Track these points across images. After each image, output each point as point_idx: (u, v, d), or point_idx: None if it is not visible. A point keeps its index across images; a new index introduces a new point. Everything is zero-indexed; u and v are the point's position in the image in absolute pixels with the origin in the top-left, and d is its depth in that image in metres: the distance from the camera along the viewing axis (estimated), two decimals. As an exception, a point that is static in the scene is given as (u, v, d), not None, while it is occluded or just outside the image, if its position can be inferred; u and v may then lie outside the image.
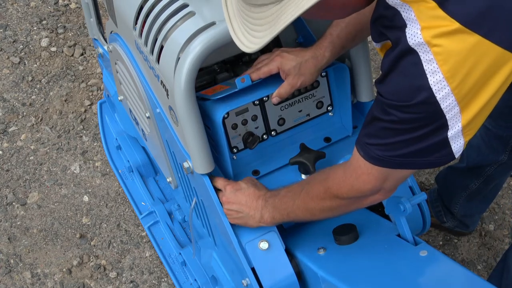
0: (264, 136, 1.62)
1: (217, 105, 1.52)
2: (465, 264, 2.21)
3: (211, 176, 1.56)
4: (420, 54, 1.06)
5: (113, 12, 1.76)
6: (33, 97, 2.69)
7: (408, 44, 1.06)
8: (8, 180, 2.44)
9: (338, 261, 1.53)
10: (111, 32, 1.84)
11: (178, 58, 1.44)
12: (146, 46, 1.57)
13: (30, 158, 2.50)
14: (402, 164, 1.20)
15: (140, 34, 1.59)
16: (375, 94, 1.25)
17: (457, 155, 1.17)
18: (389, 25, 1.11)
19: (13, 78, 2.76)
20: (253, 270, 1.52)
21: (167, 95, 1.53)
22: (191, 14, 1.48)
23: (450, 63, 1.04)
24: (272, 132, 1.62)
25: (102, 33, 2.14)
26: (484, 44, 1.03)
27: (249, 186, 1.54)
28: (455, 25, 1.02)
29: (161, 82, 1.54)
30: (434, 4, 1.03)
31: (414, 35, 1.05)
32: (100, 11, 2.17)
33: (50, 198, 2.39)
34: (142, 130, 1.90)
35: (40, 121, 2.61)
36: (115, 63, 1.85)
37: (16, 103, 2.67)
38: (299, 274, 1.57)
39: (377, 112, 1.17)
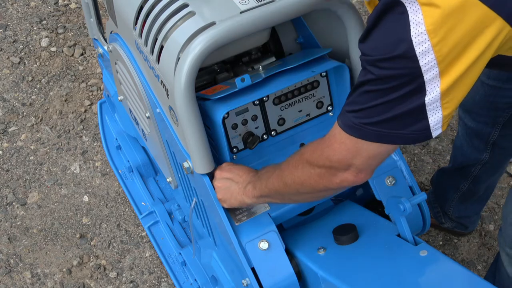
0: (264, 136, 1.62)
1: (217, 105, 1.52)
2: (465, 264, 2.21)
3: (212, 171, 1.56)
4: (406, 4, 1.02)
5: (113, 12, 1.76)
6: (33, 97, 2.69)
7: None
8: (8, 180, 2.44)
9: (338, 261, 1.53)
10: (111, 32, 1.84)
11: (178, 58, 1.44)
12: (146, 46, 1.57)
13: (30, 158, 2.50)
14: (375, 134, 1.15)
15: (140, 34, 1.59)
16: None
17: (434, 132, 1.13)
18: None
19: (13, 78, 2.76)
20: (253, 270, 1.52)
21: (167, 95, 1.53)
22: (191, 14, 1.48)
23: (434, 16, 1.01)
24: (272, 132, 1.62)
25: (102, 33, 2.14)
26: (471, 2, 1.00)
27: (243, 165, 1.53)
28: None
29: (161, 82, 1.55)
30: None
31: None
32: (100, 11, 2.17)
33: (50, 198, 2.39)
34: (142, 130, 1.90)
35: (40, 121, 2.61)
36: (115, 63, 1.85)
37: (16, 103, 2.67)
38: (299, 274, 1.57)
39: (359, 78, 1.14)
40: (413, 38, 1.03)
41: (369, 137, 1.16)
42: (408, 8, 1.02)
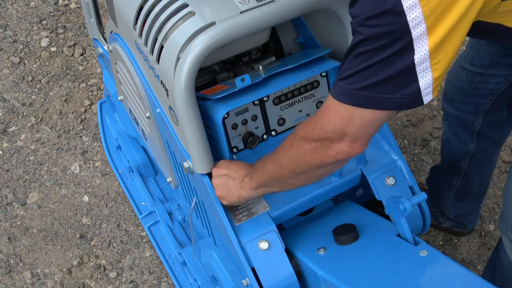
0: (264, 136, 1.62)
1: (217, 105, 1.52)
2: (465, 264, 2.21)
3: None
4: None
5: (113, 12, 1.76)
6: (33, 97, 2.69)
7: None
8: (8, 180, 2.44)
9: (338, 261, 1.53)
10: (111, 32, 1.84)
11: (178, 58, 1.44)
12: (146, 46, 1.57)
13: (30, 158, 2.50)
14: (367, 99, 1.15)
15: (140, 34, 1.59)
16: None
17: (425, 98, 1.13)
18: None
19: (13, 78, 2.76)
20: (253, 270, 1.52)
21: (167, 95, 1.53)
22: (191, 14, 1.48)
23: None
24: (272, 132, 1.62)
25: (102, 33, 2.15)
26: None
27: (240, 162, 1.53)
28: None
29: (161, 82, 1.55)
30: None
31: None
32: (100, 11, 2.17)
33: (50, 198, 2.39)
34: (142, 130, 1.90)
35: (40, 121, 2.61)
36: (115, 63, 1.85)
37: (16, 103, 2.67)
38: (299, 274, 1.57)
39: (350, 43, 1.14)
40: None
41: (361, 102, 1.16)
42: None
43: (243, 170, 1.50)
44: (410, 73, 1.10)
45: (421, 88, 1.12)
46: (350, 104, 1.17)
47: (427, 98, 1.14)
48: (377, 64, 1.11)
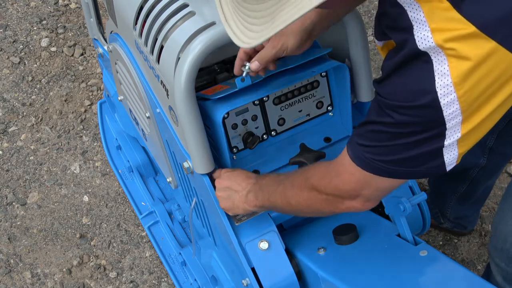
0: (264, 136, 1.62)
1: (217, 105, 1.52)
2: (465, 264, 2.21)
3: (212, 171, 1.56)
4: (431, 55, 0.99)
5: (113, 12, 1.76)
6: (33, 97, 2.69)
7: (417, 47, 0.99)
8: (8, 180, 2.44)
9: (338, 261, 1.53)
10: (111, 32, 1.84)
11: (178, 58, 1.44)
12: (146, 46, 1.57)
13: (30, 158, 2.50)
14: (388, 171, 1.13)
15: (140, 34, 1.59)
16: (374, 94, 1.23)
17: (448, 167, 1.11)
18: (393, 26, 1.04)
19: (13, 78, 2.76)
20: (253, 270, 1.52)
21: (167, 95, 1.53)
22: (191, 14, 1.48)
23: (461, 69, 0.98)
24: (272, 132, 1.62)
25: (102, 33, 2.14)
26: (500, 51, 0.97)
27: (242, 170, 1.51)
28: (471, 28, 0.95)
29: (161, 82, 1.55)
30: (448, 4, 0.96)
31: (424, 39, 0.98)
32: (100, 11, 2.17)
33: (50, 198, 2.39)
34: (142, 130, 1.90)
35: (40, 121, 2.61)
36: (115, 63, 1.85)
37: (16, 103, 2.67)
38: (299, 274, 1.57)
39: (373, 114, 1.11)
40: (438, 90, 1.00)
41: (381, 173, 1.14)
42: (433, 58, 0.99)
43: (245, 183, 1.48)
44: (436, 154, 1.08)
45: (446, 162, 1.10)
46: (368, 172, 1.15)
47: (450, 167, 1.12)
48: (404, 145, 1.08)
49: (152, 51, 1.55)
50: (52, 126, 2.60)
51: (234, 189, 1.48)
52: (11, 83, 2.74)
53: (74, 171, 2.46)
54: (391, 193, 1.59)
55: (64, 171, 2.46)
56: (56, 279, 2.19)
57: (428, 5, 0.98)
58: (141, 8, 1.59)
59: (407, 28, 1.00)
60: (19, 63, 2.81)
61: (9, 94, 2.70)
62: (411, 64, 1.02)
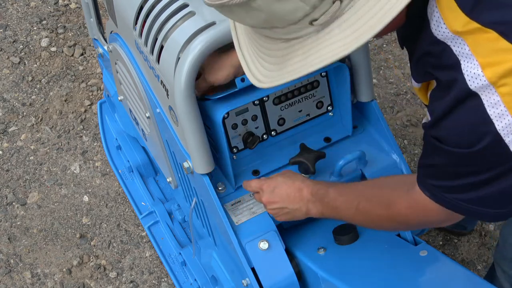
0: (264, 136, 1.62)
1: (217, 105, 1.52)
2: (465, 264, 2.21)
3: (245, 181, 1.55)
4: (482, 97, 0.94)
5: (113, 12, 1.76)
6: (33, 97, 2.69)
7: (468, 88, 0.94)
8: (8, 180, 2.44)
9: (338, 261, 1.53)
10: (111, 32, 1.84)
11: (178, 58, 1.44)
12: (146, 46, 1.57)
13: (30, 158, 2.50)
14: (471, 212, 1.11)
15: (140, 34, 1.59)
16: (375, 95, 1.22)
17: None
18: (438, 63, 0.99)
19: (13, 78, 2.76)
20: (253, 270, 1.52)
21: (167, 95, 1.53)
22: (191, 14, 1.48)
23: None
24: (272, 132, 1.62)
25: (102, 33, 2.14)
26: None
27: (286, 180, 1.45)
28: None
29: (161, 82, 1.55)
30: (495, 34, 0.91)
31: (475, 77, 0.93)
32: (100, 11, 2.17)
33: (50, 198, 2.39)
34: (142, 130, 1.90)
35: (40, 121, 2.61)
36: (115, 63, 1.85)
37: (16, 103, 2.67)
38: (299, 274, 1.57)
39: (435, 158, 1.08)
40: (500, 131, 0.96)
41: (466, 212, 1.13)
42: (484, 101, 0.95)
43: (298, 194, 1.43)
44: None
45: None
46: (453, 211, 1.14)
47: None
48: (477, 183, 1.05)
49: (152, 51, 1.55)
50: (52, 126, 2.60)
51: (290, 207, 1.45)
52: (11, 83, 2.74)
53: (74, 171, 2.46)
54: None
55: (64, 171, 2.46)
56: (56, 279, 2.19)
57: (472, 37, 0.94)
58: (141, 8, 1.58)
59: (454, 65, 0.96)
60: (19, 63, 2.81)
61: (9, 94, 2.70)
62: (463, 107, 0.97)
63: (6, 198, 2.38)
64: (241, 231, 1.55)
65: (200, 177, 1.55)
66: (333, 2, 0.93)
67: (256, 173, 1.62)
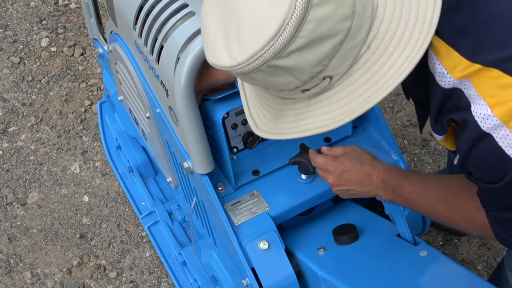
0: (264, 136, 1.62)
1: (217, 105, 1.52)
2: (465, 264, 2.21)
3: (311, 150, 1.51)
4: (495, 136, 0.97)
5: (113, 12, 1.76)
6: (33, 97, 2.69)
7: (480, 129, 0.97)
8: (8, 180, 2.44)
9: (338, 261, 1.53)
10: (111, 32, 1.84)
11: (178, 58, 1.44)
12: (146, 46, 1.57)
13: (30, 158, 2.50)
14: None
15: (140, 34, 1.59)
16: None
17: None
18: (454, 107, 1.02)
19: (13, 78, 2.76)
20: (253, 270, 1.52)
21: (167, 95, 1.53)
22: (191, 14, 1.48)
23: None
24: (272, 132, 1.62)
25: (102, 33, 2.14)
26: None
27: (354, 163, 1.42)
28: None
29: (161, 82, 1.54)
30: (498, 72, 0.94)
31: (486, 117, 0.96)
32: (100, 11, 2.16)
33: (50, 198, 2.39)
34: (142, 130, 1.90)
35: (40, 121, 2.61)
36: (115, 63, 1.85)
37: (16, 103, 2.67)
38: (299, 274, 1.57)
39: (480, 192, 1.11)
40: None
41: None
42: (498, 140, 0.97)
43: (367, 179, 1.40)
44: None
45: None
46: (504, 245, 1.17)
47: None
48: None
49: (152, 51, 1.55)
50: (52, 126, 2.60)
51: (358, 190, 1.42)
52: (11, 83, 2.74)
53: (74, 171, 2.46)
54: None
55: (64, 171, 2.46)
56: (56, 279, 2.19)
57: (476, 77, 0.96)
58: (141, 8, 1.58)
59: (466, 107, 0.99)
60: (19, 63, 2.81)
61: (9, 94, 2.70)
62: (479, 147, 1.01)
63: (6, 198, 2.38)
64: (241, 231, 1.55)
65: (200, 177, 1.55)
66: (323, 79, 0.99)
67: (256, 173, 1.62)
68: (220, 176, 1.63)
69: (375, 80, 0.98)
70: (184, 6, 1.50)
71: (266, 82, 1.01)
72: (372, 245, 1.54)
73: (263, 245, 1.53)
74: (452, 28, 0.99)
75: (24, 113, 2.64)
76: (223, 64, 0.99)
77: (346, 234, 1.55)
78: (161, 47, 1.51)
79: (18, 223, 2.32)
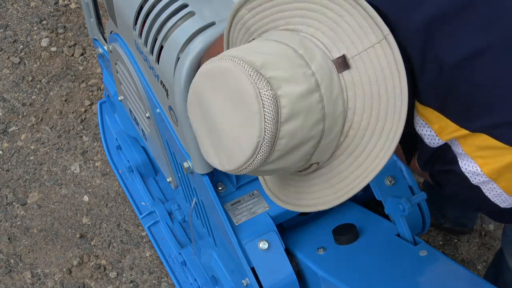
0: (264, 136, 1.62)
1: (217, 105, 1.51)
2: (465, 264, 2.21)
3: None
4: (482, 188, 1.03)
5: (113, 12, 1.76)
6: (33, 97, 2.69)
7: (470, 183, 1.03)
8: (8, 180, 2.44)
9: (338, 261, 1.53)
10: (111, 32, 1.84)
11: (178, 58, 1.44)
12: (146, 46, 1.57)
13: (30, 158, 2.50)
14: None
15: (140, 34, 1.59)
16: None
17: None
18: (440, 157, 1.07)
19: (13, 78, 2.76)
20: (253, 270, 1.52)
21: (167, 95, 1.53)
22: (191, 14, 1.48)
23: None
24: (272, 132, 1.62)
25: (102, 33, 2.14)
26: None
27: None
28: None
29: (161, 82, 1.55)
30: (486, 137, 0.98)
31: (475, 174, 1.01)
32: (100, 11, 2.16)
33: (50, 198, 2.39)
34: (142, 130, 1.90)
35: (40, 121, 2.61)
36: (115, 63, 1.85)
37: (16, 103, 2.67)
38: (299, 274, 1.57)
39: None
40: (504, 207, 1.06)
41: None
42: (484, 190, 1.03)
43: None
44: None
45: None
46: None
47: None
48: None
49: (152, 51, 1.55)
50: (52, 126, 2.60)
51: None
52: (11, 83, 2.74)
53: (74, 171, 2.46)
54: (391, 193, 1.60)
55: (64, 171, 2.46)
56: (56, 279, 2.19)
57: (463, 140, 1.01)
58: (141, 8, 1.58)
59: (452, 160, 1.04)
60: (19, 63, 2.81)
61: (9, 94, 2.71)
62: (466, 193, 1.07)
63: (6, 198, 2.39)
64: (241, 231, 1.55)
65: (200, 177, 1.55)
66: (311, 165, 1.05)
67: (256, 173, 1.62)
68: (220, 176, 1.63)
69: (358, 163, 1.03)
70: (184, 6, 1.50)
71: (259, 175, 1.13)
72: (372, 245, 1.54)
73: (263, 245, 1.53)
74: (436, 96, 1.01)
75: (24, 113, 2.64)
76: (216, 167, 1.07)
77: (346, 234, 1.55)
78: (161, 47, 1.51)
79: (18, 223, 2.32)
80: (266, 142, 0.97)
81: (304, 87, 0.96)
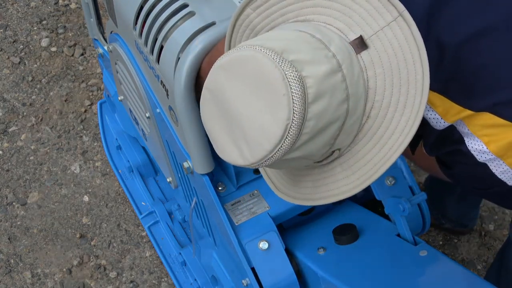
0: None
1: (217, 105, 1.51)
2: (465, 264, 2.21)
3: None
4: (489, 165, 1.05)
5: (113, 12, 1.76)
6: (33, 97, 2.69)
7: (476, 160, 1.06)
8: (8, 180, 2.44)
9: (338, 261, 1.53)
10: (111, 32, 1.84)
11: (178, 58, 1.44)
12: (146, 46, 1.57)
13: (30, 158, 2.50)
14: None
15: (140, 34, 1.59)
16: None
17: None
18: (446, 139, 1.09)
19: (13, 78, 2.76)
20: (253, 270, 1.53)
21: (167, 95, 1.53)
22: (191, 14, 1.48)
23: None
24: (272, 132, 1.62)
25: (102, 33, 2.14)
26: None
27: None
28: None
29: (161, 82, 1.55)
30: (490, 115, 1.00)
31: (482, 152, 1.03)
32: (100, 11, 2.16)
33: (50, 198, 2.39)
34: (142, 130, 1.90)
35: (40, 121, 2.61)
36: (115, 63, 1.85)
37: (16, 103, 2.67)
38: (299, 274, 1.57)
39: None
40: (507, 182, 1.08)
41: None
42: (491, 167, 1.06)
43: None
44: None
45: None
46: None
47: None
48: None
49: (152, 51, 1.55)
50: (52, 126, 2.60)
51: None
52: (11, 83, 2.74)
53: (74, 171, 2.46)
54: (391, 193, 1.60)
55: (64, 171, 2.46)
56: (56, 279, 2.19)
57: (468, 120, 1.03)
58: (141, 8, 1.58)
59: (459, 140, 1.06)
60: (19, 63, 2.81)
61: (9, 94, 2.71)
62: (474, 171, 1.09)
63: (6, 198, 2.39)
64: (241, 231, 1.55)
65: (200, 177, 1.55)
66: (333, 152, 1.04)
67: (257, 171, 1.62)
68: (220, 176, 1.63)
69: (381, 144, 1.02)
70: (184, 6, 1.50)
71: (279, 167, 1.10)
72: (372, 245, 1.54)
73: (263, 245, 1.53)
74: (438, 79, 1.02)
75: (24, 113, 2.64)
76: (236, 163, 1.04)
77: (346, 234, 1.55)
78: (161, 47, 1.51)
79: (18, 223, 2.32)
80: (295, 124, 0.95)
81: (328, 67, 0.96)
